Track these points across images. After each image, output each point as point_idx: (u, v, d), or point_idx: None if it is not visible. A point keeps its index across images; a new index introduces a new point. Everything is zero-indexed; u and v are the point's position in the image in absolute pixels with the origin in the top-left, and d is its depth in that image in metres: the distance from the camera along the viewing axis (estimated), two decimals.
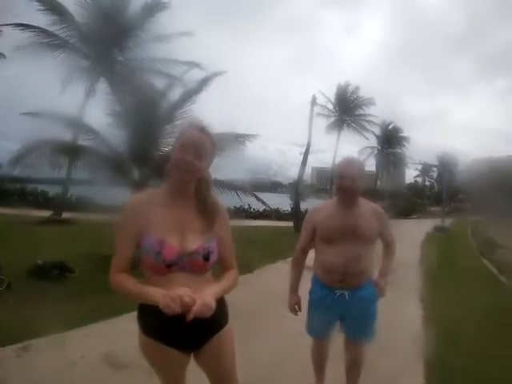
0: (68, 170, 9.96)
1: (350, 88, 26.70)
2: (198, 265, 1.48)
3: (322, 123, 26.14)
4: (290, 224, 16.09)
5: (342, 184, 2.23)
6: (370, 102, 27.08)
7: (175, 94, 6.98)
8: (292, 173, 19.85)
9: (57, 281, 5.18)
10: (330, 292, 2.32)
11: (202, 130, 1.52)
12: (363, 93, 27.11)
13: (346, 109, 26.39)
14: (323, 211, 2.37)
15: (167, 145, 6.66)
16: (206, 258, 1.49)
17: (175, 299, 1.29)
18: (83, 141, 6.87)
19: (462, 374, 3.17)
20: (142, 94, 6.50)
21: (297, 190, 17.27)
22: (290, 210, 19.38)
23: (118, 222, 1.51)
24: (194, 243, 1.48)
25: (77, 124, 7.43)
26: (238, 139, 7.33)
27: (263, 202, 9.09)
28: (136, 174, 6.67)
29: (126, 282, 1.45)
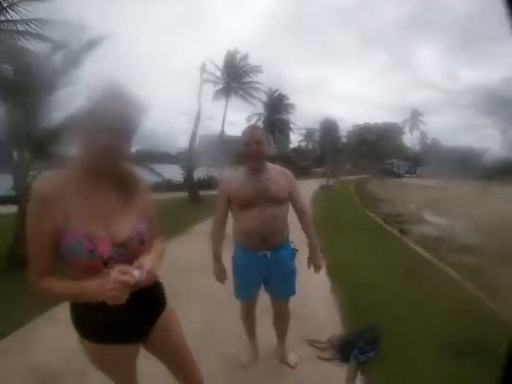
0: None
1: (239, 55, 26.68)
2: (135, 251, 1.28)
3: (209, 90, 25.85)
4: (184, 194, 15.90)
5: (250, 150, 2.30)
6: (257, 70, 27.33)
7: (57, 59, 6.17)
8: (179, 142, 19.37)
9: None
10: (253, 254, 2.40)
11: (126, 101, 1.20)
12: (251, 60, 27.35)
13: (234, 76, 26.37)
14: (234, 180, 2.42)
15: (51, 119, 5.87)
16: (142, 242, 1.31)
17: (117, 283, 1.10)
18: None
19: (372, 312, 3.59)
20: (20, 60, 5.67)
21: (189, 159, 16.98)
22: (182, 180, 19.04)
23: (28, 219, 1.20)
24: (125, 229, 1.28)
25: None
26: None
27: (159, 174, 8.70)
28: (16, 156, 5.79)
29: (55, 284, 1.20)
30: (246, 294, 2.60)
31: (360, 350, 2.73)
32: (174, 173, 19.06)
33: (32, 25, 6.75)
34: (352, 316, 3.54)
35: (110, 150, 1.18)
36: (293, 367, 2.73)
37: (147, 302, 1.39)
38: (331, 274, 4.93)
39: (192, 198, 15.59)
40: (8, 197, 8.31)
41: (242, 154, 2.36)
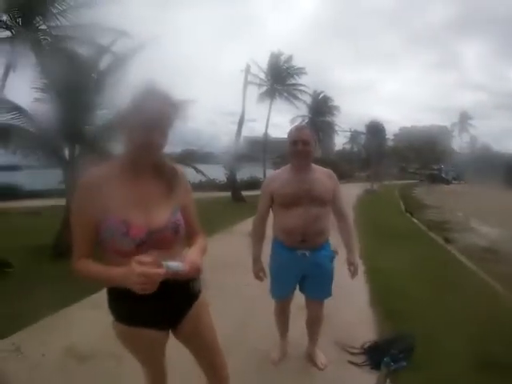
0: None
1: (283, 57, 26.53)
2: (168, 240, 1.37)
3: (253, 92, 25.97)
4: (227, 194, 16.14)
5: (296, 149, 2.33)
6: (301, 72, 27.10)
7: (105, 63, 6.51)
8: (223, 143, 19.62)
9: None
10: (293, 253, 2.43)
11: (160, 90, 1.31)
12: (295, 62, 27.16)
13: (278, 78, 26.31)
14: (279, 179, 2.45)
15: (99, 118, 6.20)
16: (176, 231, 1.39)
17: (142, 276, 1.14)
18: (7, 120, 6.16)
19: (408, 321, 3.50)
20: (70, 64, 5.97)
21: (232, 159, 17.21)
22: (225, 180, 19.34)
23: (74, 205, 1.35)
24: (161, 217, 1.36)
25: None
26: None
27: (203, 174, 8.90)
28: (67, 153, 6.16)
29: (90, 266, 1.31)
30: (281, 293, 2.63)
31: (392, 358, 2.69)
32: (218, 173, 19.39)
33: (80, 30, 7.13)
34: (387, 323, 3.49)
35: (146, 144, 1.28)
36: (322, 369, 2.73)
37: (180, 292, 1.44)
38: (369, 279, 4.89)
39: (234, 197, 15.81)
40: (58, 190, 8.79)
41: (288, 152, 2.39)
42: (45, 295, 3.83)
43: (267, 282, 2.62)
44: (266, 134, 26.07)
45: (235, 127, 17.76)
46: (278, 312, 2.77)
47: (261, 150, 25.32)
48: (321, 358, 2.81)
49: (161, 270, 1.17)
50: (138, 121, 1.26)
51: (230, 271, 4.82)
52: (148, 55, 6.37)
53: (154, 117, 1.27)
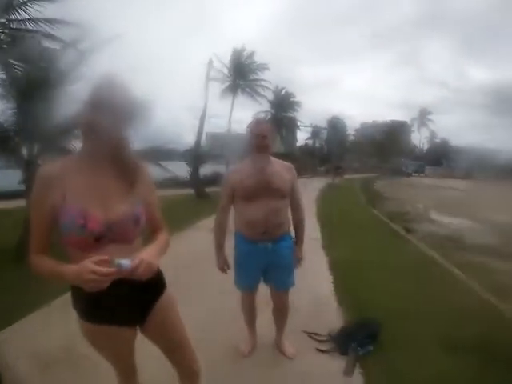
0: None
1: (245, 53, 26.52)
2: (128, 232, 1.33)
3: (216, 88, 25.83)
4: (191, 191, 15.98)
5: (256, 141, 2.37)
6: (263, 67, 27.18)
7: (66, 58, 6.27)
8: (186, 139, 19.42)
9: None
10: (255, 245, 2.47)
11: (116, 84, 1.29)
12: (257, 58, 27.21)
13: (241, 73, 26.28)
14: (239, 172, 2.46)
15: (58, 115, 5.96)
16: (136, 224, 1.35)
17: (93, 274, 1.13)
18: None
19: (373, 308, 3.60)
20: (31, 58, 5.74)
21: (195, 156, 17.05)
22: (188, 177, 19.12)
23: (31, 198, 1.30)
24: (120, 209, 1.32)
25: None
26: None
27: (167, 170, 8.77)
28: (25, 151, 5.89)
29: (44, 263, 1.27)
30: (247, 284, 2.65)
31: (359, 343, 2.78)
32: (181, 170, 19.15)
33: (41, 24, 6.85)
34: (353, 311, 3.57)
35: (104, 134, 1.25)
36: (291, 358, 2.77)
37: (143, 288, 1.39)
38: (333, 269, 4.99)
39: (198, 194, 15.67)
40: (17, 191, 8.43)
41: (247, 146, 2.41)
42: (6, 301, 3.63)
43: (232, 277, 2.64)
44: (229, 129, 25.98)
45: (198, 123, 17.59)
46: (244, 304, 2.78)
47: (224, 145, 25.21)
48: (289, 347, 2.85)
49: (111, 270, 1.14)
50: (94, 110, 1.23)
51: (195, 267, 4.78)
52: (110, 51, 6.19)
53: (111, 106, 1.24)
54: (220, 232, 2.58)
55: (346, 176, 37.93)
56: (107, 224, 1.27)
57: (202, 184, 16.79)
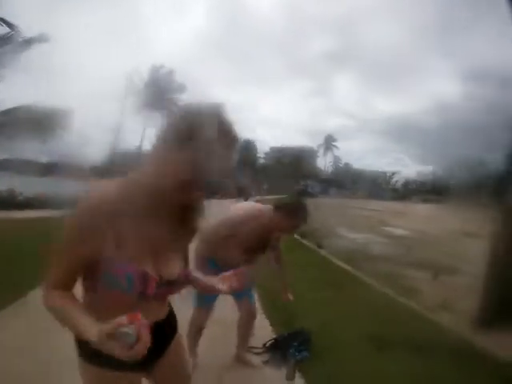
0: None
1: (164, 71, 26.58)
2: (175, 292, 1.15)
3: (131, 104, 25.31)
4: None
5: None
6: (181, 88, 27.42)
7: None
8: (96, 156, 18.66)
9: None
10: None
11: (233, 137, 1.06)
12: (178, 77, 27.32)
13: (158, 91, 26.13)
14: None
15: None
16: (184, 285, 1.19)
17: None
18: None
19: (300, 319, 3.81)
20: None
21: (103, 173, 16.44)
22: None
23: (68, 231, 0.97)
24: (174, 269, 1.09)
25: None
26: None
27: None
28: None
29: (65, 304, 0.98)
30: (211, 300, 2.61)
31: (295, 349, 2.97)
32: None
33: None
34: (281, 323, 3.70)
35: (196, 184, 0.97)
36: (257, 367, 2.88)
37: (162, 332, 1.19)
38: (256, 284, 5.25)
39: None
40: None
41: None
42: None
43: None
44: (139, 146, 25.48)
45: (111, 138, 17.15)
46: (196, 321, 2.67)
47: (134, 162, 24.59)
48: (251, 358, 2.98)
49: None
50: (200, 156, 0.92)
51: None
52: (35, 52, 5.99)
53: (225, 157, 0.99)
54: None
55: (257, 197, 38.66)
56: (160, 285, 1.06)
57: None
